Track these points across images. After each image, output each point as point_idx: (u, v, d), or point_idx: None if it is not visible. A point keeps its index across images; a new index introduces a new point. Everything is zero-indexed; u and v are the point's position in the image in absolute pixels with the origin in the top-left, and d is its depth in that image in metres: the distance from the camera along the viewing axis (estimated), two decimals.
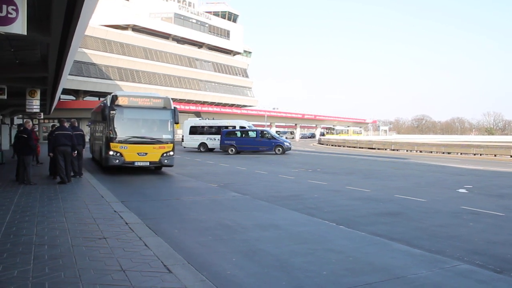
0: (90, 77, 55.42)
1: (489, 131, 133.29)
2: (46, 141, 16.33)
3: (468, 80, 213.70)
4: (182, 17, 69.72)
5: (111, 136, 15.93)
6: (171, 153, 16.79)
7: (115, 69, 58.51)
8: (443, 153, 37.55)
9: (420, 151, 39.84)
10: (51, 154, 13.76)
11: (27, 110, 18.20)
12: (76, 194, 11.18)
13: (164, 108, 17.02)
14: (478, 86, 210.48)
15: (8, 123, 36.16)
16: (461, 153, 36.26)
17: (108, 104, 16.28)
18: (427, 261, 6.02)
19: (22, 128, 13.61)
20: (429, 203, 11.04)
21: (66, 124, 14.21)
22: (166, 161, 16.70)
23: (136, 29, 64.40)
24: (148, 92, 33.40)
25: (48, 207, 9.07)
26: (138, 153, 16.09)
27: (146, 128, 16.83)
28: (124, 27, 63.10)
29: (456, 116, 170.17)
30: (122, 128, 16.25)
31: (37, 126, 30.64)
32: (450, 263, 5.94)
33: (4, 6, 5.90)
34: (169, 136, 17.00)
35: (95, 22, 51.07)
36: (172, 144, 16.88)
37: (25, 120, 18.56)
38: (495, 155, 33.27)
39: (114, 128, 16.06)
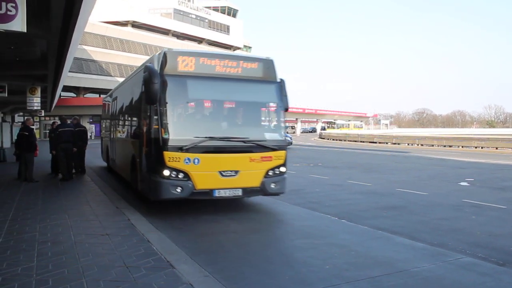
0: (91, 74, 55.34)
1: (490, 124, 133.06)
2: (47, 139, 15.99)
3: (469, 73, 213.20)
4: (181, 13, 69.49)
5: (164, 136, 7.86)
6: (283, 168, 8.82)
7: (115, 65, 58.37)
8: (444, 146, 37.52)
9: (421, 145, 39.82)
10: (53, 151, 13.77)
11: (28, 108, 18.12)
12: (78, 191, 11.20)
13: (265, 79, 8.95)
14: (479, 78, 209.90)
15: (9, 121, 36.16)
16: (462, 146, 36.22)
17: (157, 69, 8.07)
18: (429, 255, 6.02)
19: (23, 126, 13.63)
20: (431, 197, 11.04)
21: (68, 121, 14.25)
22: (273, 185, 8.63)
23: (136, 25, 64.21)
24: None
25: (50, 204, 9.09)
26: (220, 172, 8.12)
27: (232, 121, 9.12)
28: (123, 23, 62.94)
29: (457, 109, 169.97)
30: (186, 121, 8.66)
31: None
32: (453, 256, 5.95)
33: (4, 3, 5.86)
34: (277, 136, 9.00)
35: (95, 19, 50.92)
36: (284, 152, 8.86)
37: (26, 117, 18.50)
38: (496, 148, 33.23)
39: (168, 120, 7.95)
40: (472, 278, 5.13)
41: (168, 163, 7.82)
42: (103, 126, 18.90)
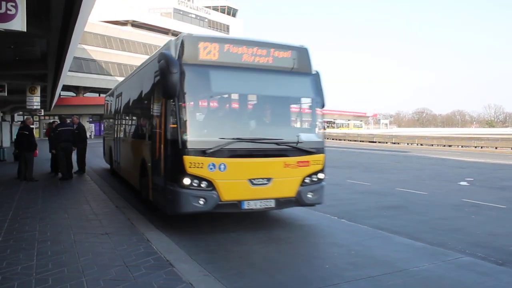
0: (90, 73, 55.34)
1: (490, 124, 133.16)
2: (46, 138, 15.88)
3: (469, 73, 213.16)
4: (181, 12, 69.53)
5: (184, 138, 6.64)
6: (321, 175, 7.60)
7: (115, 65, 58.35)
8: (444, 146, 37.53)
9: (421, 144, 39.84)
10: (53, 151, 13.78)
11: (28, 107, 18.14)
12: (78, 190, 11.19)
13: (299, 71, 7.67)
14: (479, 78, 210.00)
15: (9, 120, 36.16)
16: (462, 146, 36.24)
17: (175, 56, 6.89)
18: (429, 254, 6.03)
19: (23, 125, 13.63)
20: (431, 196, 11.05)
21: (67, 120, 14.26)
22: (310, 195, 7.39)
23: (136, 24, 64.21)
24: None
25: (50, 203, 9.09)
26: (251, 180, 6.91)
27: (262, 119, 7.84)
28: (123, 23, 62.93)
29: (456, 109, 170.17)
30: (210, 119, 7.50)
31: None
32: (452, 255, 5.95)
33: (4, 3, 5.86)
34: (314, 137, 7.80)
35: (94, 18, 50.89)
36: (322, 156, 7.63)
37: (25, 117, 18.49)
38: (496, 148, 33.24)
39: (188, 117, 6.72)
40: (472, 278, 5.14)
41: (189, 170, 6.55)
42: (106, 125, 17.47)
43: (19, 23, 5.98)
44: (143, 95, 9.33)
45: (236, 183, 6.79)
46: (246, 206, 6.85)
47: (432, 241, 6.68)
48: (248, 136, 7.04)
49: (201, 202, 6.60)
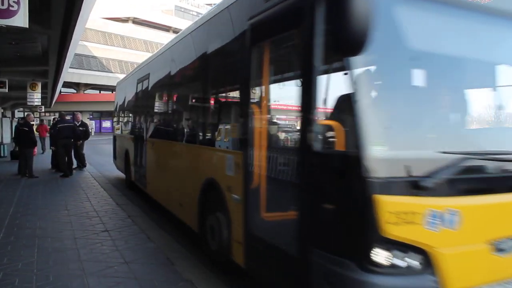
0: (91, 70, 55.31)
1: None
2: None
3: None
4: (182, 10, 69.54)
5: (376, 152, 2.59)
6: None
7: (116, 62, 58.31)
8: None
9: None
10: (53, 147, 13.81)
11: (28, 103, 18.17)
12: (78, 187, 11.18)
13: None
14: None
15: (9, 116, 36.14)
16: None
17: None
18: None
19: (22, 122, 13.65)
20: None
21: (67, 117, 14.28)
22: None
23: (137, 21, 64.16)
24: None
25: (51, 200, 9.09)
26: (493, 244, 2.87)
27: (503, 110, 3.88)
28: (124, 20, 62.86)
29: None
30: (415, 112, 3.21)
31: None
32: None
33: None
34: None
35: (96, 15, 50.83)
36: None
37: (26, 113, 18.53)
38: None
39: (383, 107, 2.94)
40: None
41: (389, 229, 2.68)
42: (119, 119, 13.67)
43: (21, 20, 5.99)
44: (213, 67, 5.72)
45: (471, 252, 2.98)
46: None
47: None
48: (484, 148, 3.36)
49: None
